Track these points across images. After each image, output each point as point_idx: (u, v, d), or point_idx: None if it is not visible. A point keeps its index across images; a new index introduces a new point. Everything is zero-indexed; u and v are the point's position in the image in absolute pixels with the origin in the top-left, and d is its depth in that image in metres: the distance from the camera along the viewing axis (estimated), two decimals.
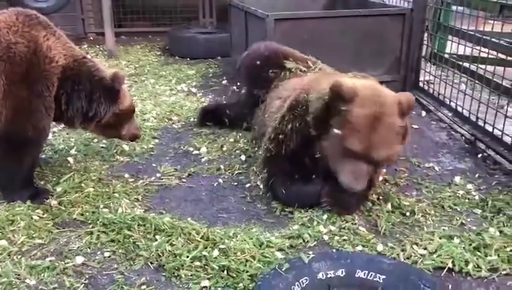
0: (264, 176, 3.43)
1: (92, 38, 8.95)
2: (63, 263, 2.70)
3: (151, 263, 2.70)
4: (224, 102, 5.35)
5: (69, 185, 3.47)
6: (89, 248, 2.86)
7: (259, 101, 4.11)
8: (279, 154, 3.27)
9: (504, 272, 2.62)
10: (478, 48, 4.45)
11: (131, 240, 2.87)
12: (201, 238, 2.85)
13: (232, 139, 4.42)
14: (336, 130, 2.91)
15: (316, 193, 3.18)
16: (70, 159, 3.88)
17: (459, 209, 3.27)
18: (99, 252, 2.82)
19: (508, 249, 2.79)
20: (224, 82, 6.49)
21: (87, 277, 2.62)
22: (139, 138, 3.83)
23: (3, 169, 3.22)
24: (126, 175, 3.74)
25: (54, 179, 3.57)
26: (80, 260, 2.72)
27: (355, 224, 3.07)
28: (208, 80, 6.63)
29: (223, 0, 8.35)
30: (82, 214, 3.18)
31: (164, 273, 2.63)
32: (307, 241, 2.90)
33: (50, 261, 2.71)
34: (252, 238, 2.86)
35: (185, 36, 8.02)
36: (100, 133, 3.67)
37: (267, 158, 3.38)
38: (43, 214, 3.13)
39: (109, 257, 2.78)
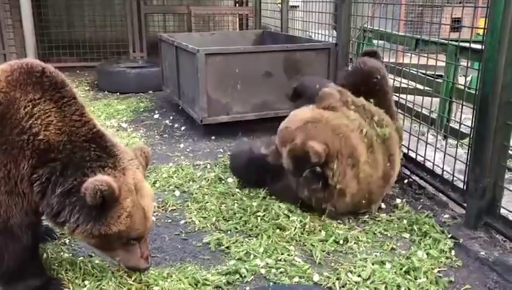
0: None
1: None
2: None
3: None
4: None
5: None
6: None
7: None
8: None
9: None
10: (399, 79, 4.73)
11: None
12: (133, 281, 2.73)
13: (165, 175, 4.34)
14: None
15: None
16: None
17: (389, 235, 3.38)
18: None
19: (435, 270, 2.92)
20: (156, 116, 6.41)
21: None
22: (142, 272, 2.74)
23: None
24: None
25: None
26: None
27: (291, 255, 3.08)
28: (139, 114, 6.52)
29: (153, 34, 8.35)
30: None
31: None
32: (244, 276, 2.86)
33: None
34: (187, 278, 2.78)
35: (114, 71, 7.89)
36: (90, 245, 2.62)
37: None
38: None
39: None
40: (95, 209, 2.29)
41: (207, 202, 3.78)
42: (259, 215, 3.54)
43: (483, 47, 3.30)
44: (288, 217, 3.49)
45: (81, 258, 2.97)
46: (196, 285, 2.73)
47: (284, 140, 3.46)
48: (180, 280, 2.76)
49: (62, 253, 3.06)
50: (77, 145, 2.36)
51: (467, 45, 3.96)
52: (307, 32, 7.28)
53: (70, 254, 3.06)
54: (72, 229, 2.37)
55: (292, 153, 3.35)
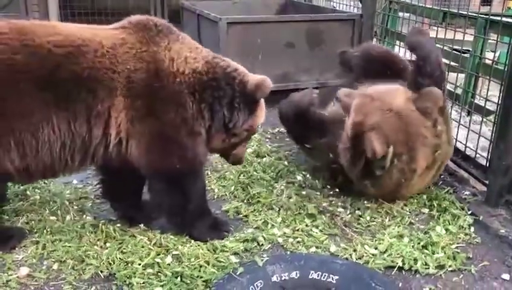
0: None
1: None
2: (6, 275, 2.57)
3: (102, 271, 2.62)
4: None
5: (12, 192, 3.31)
6: (35, 258, 2.73)
7: None
8: None
9: (450, 269, 2.73)
10: None
11: (81, 249, 2.77)
12: (153, 245, 2.79)
13: None
14: None
15: None
16: None
17: (408, 209, 3.37)
18: (45, 262, 2.70)
19: (453, 246, 2.91)
20: None
21: (32, 289, 2.51)
22: (241, 163, 3.30)
23: (173, 208, 2.86)
24: (74, 181, 3.62)
25: None
26: (24, 271, 2.60)
27: (308, 226, 3.10)
28: None
29: (175, 2, 8.28)
30: (27, 223, 3.04)
31: (115, 282, 2.55)
32: (262, 244, 2.90)
33: None
34: (205, 243, 2.83)
35: None
36: (213, 146, 2.91)
37: None
38: None
39: (57, 267, 2.67)
40: (252, 105, 2.81)
41: (226, 171, 3.81)
42: (277, 186, 3.56)
43: None
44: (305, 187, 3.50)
45: (103, 221, 3.05)
46: (214, 251, 2.78)
47: (354, 109, 3.17)
48: (198, 245, 2.81)
49: (85, 216, 3.14)
50: (212, 64, 2.76)
51: (498, 18, 3.83)
52: (331, 3, 7.13)
53: (93, 217, 3.14)
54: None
55: (352, 133, 3.13)
